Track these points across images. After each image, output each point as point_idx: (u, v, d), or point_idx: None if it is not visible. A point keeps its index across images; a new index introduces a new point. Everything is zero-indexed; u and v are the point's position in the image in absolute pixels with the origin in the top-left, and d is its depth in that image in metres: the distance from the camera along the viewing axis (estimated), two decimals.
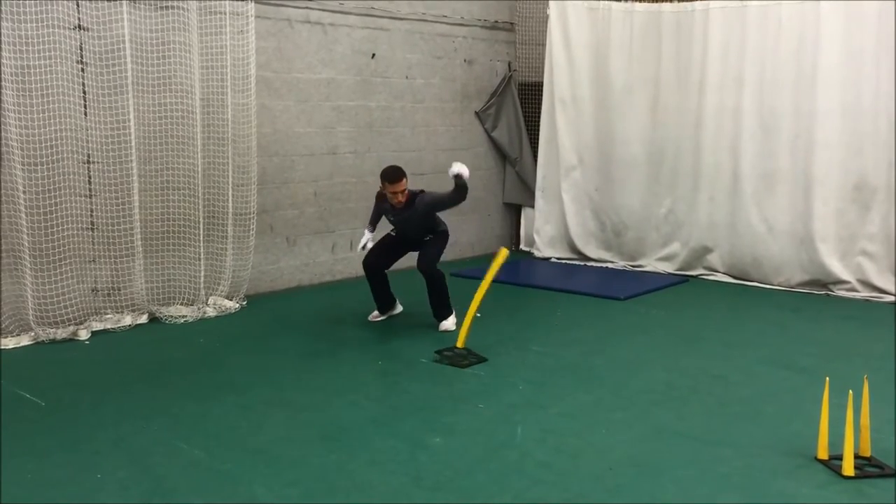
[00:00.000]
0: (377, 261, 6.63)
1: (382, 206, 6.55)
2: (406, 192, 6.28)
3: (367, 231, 6.73)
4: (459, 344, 5.76)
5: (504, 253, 5.97)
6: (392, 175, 6.23)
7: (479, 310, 6.56)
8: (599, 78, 9.03)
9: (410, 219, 6.40)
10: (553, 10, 9.21)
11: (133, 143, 6.57)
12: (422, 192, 6.42)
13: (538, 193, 9.63)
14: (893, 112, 7.34)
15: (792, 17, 7.79)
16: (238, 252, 7.22)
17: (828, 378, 4.06)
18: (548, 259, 9.51)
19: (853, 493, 3.70)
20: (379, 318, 6.81)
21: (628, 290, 7.78)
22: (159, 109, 6.68)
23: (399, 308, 6.95)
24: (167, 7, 6.63)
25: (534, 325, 6.60)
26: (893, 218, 7.44)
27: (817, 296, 7.73)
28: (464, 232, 9.69)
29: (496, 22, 9.85)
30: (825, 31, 7.59)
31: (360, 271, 8.60)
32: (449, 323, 6.48)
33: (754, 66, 8.03)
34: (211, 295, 7.10)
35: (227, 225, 7.10)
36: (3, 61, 5.84)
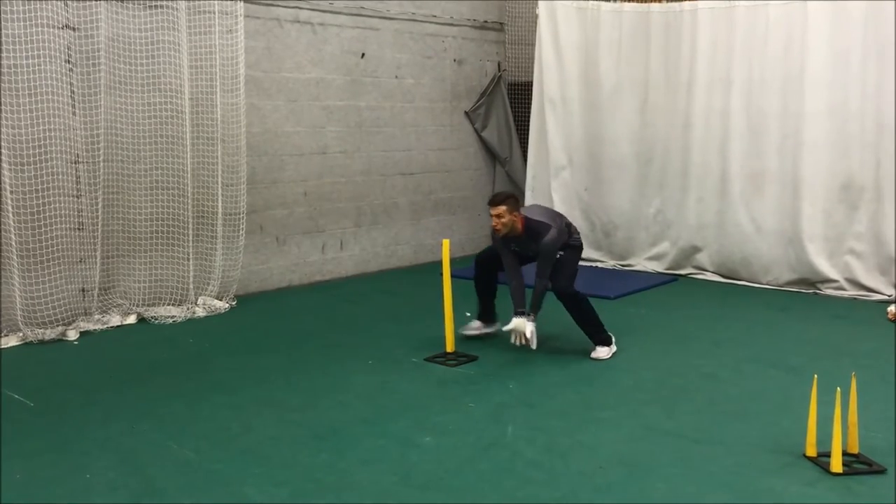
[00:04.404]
0: (491, 255, 5.91)
1: (502, 240, 5.69)
2: (511, 219, 5.52)
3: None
4: (448, 349, 5.74)
5: (445, 244, 5.69)
6: (491, 198, 5.65)
7: (468, 309, 6.58)
8: (589, 78, 9.05)
9: (531, 249, 5.66)
10: (542, 10, 9.22)
11: (122, 143, 6.55)
12: (552, 229, 5.55)
13: (528, 193, 9.63)
14: (880, 112, 7.38)
15: (779, 17, 7.82)
16: (228, 252, 7.20)
17: (816, 376, 4.08)
18: None
19: (841, 489, 3.72)
20: (474, 333, 6.12)
21: (618, 290, 7.80)
22: (148, 109, 6.66)
23: (497, 325, 6.20)
24: (156, 6, 6.62)
25: None
26: (880, 217, 7.48)
27: (805, 295, 7.76)
28: (454, 232, 9.70)
29: (486, 22, 9.86)
30: (812, 31, 7.63)
31: (351, 271, 8.67)
32: (601, 352, 5.71)
33: (742, 66, 8.06)
34: (200, 295, 7.08)
35: (217, 225, 7.08)
36: None
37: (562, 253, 5.70)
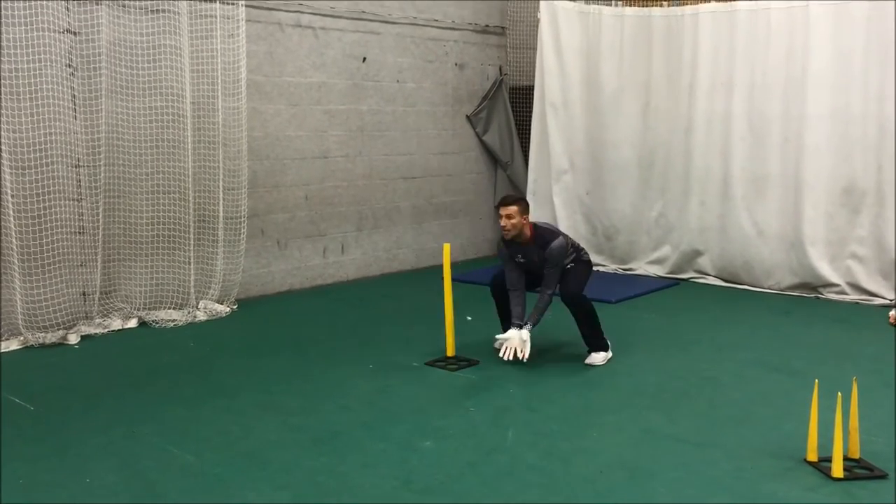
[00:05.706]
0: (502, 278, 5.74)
1: (508, 250, 5.59)
2: (521, 221, 5.43)
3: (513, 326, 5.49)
4: (449, 353, 5.72)
5: (446, 248, 5.63)
6: (503, 198, 5.55)
7: (469, 313, 6.59)
8: (590, 82, 9.05)
9: (536, 262, 5.54)
10: (544, 14, 9.23)
11: (123, 147, 6.56)
12: (560, 237, 5.54)
13: (529, 197, 9.61)
14: (882, 116, 7.38)
15: (781, 21, 7.82)
16: (229, 256, 7.21)
17: (817, 380, 4.07)
18: None
19: (842, 495, 3.71)
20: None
21: (619, 294, 7.79)
22: (149, 113, 6.67)
23: None
24: (157, 10, 6.63)
25: None
26: (882, 221, 7.47)
27: (807, 299, 7.75)
28: (455, 236, 9.70)
29: (487, 26, 9.87)
30: (814, 34, 7.63)
31: (352, 275, 8.67)
32: (597, 357, 5.67)
33: (744, 70, 8.06)
34: (201, 299, 7.08)
35: (218, 229, 7.09)
36: None
37: (572, 264, 5.66)
